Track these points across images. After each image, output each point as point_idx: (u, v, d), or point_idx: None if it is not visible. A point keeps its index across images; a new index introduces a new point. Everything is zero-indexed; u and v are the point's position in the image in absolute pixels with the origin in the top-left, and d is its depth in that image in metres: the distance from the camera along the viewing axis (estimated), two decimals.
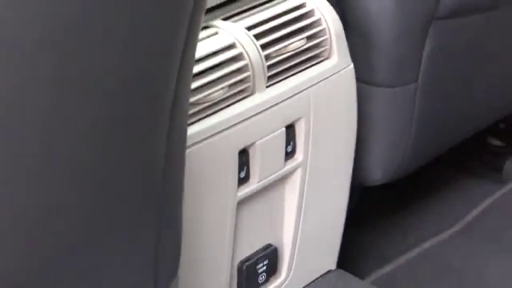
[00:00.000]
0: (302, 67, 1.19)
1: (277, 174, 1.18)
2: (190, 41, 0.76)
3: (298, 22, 1.18)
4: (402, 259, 1.59)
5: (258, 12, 1.18)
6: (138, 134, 0.75)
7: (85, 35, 0.62)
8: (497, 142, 1.88)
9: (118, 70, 0.68)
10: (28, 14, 0.57)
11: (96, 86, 0.66)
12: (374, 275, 1.54)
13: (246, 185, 1.15)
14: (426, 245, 1.64)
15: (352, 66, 1.26)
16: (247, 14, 1.17)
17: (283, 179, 1.21)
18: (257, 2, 1.20)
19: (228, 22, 1.14)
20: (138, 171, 0.77)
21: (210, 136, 1.07)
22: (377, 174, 1.45)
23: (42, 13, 0.58)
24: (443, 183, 1.79)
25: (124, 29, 0.66)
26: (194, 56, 0.79)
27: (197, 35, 0.78)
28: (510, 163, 1.86)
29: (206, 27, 1.12)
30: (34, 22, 0.58)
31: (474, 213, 1.75)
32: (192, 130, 1.05)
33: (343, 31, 1.25)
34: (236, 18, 1.16)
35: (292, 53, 1.17)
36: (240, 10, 1.18)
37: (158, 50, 0.72)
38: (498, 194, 1.81)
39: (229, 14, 1.15)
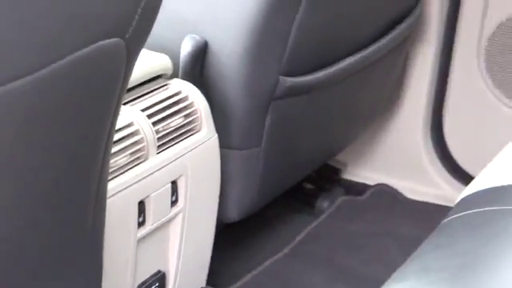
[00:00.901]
0: (182, 138, 1.22)
1: (165, 218, 1.21)
2: (113, 127, 0.79)
3: (177, 105, 1.21)
4: (249, 276, 1.62)
5: (148, 97, 1.21)
6: (74, 202, 0.77)
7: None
8: (310, 186, 1.92)
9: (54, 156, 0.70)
10: None
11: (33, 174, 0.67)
12: None
13: (143, 227, 1.17)
14: (267, 263, 1.67)
15: (216, 135, 1.29)
16: (141, 99, 1.20)
17: (170, 221, 1.23)
18: (147, 90, 1.22)
19: (127, 106, 1.16)
20: (73, 230, 0.79)
21: (117, 192, 1.09)
22: (233, 214, 1.46)
23: None
24: (275, 216, 1.82)
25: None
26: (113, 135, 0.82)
27: (116, 122, 0.81)
28: (320, 201, 1.90)
29: None
30: None
31: (298, 238, 1.78)
32: None
33: (209, 109, 1.27)
34: (133, 102, 1.18)
35: (174, 128, 1.20)
36: (135, 96, 1.20)
37: (91, 140, 0.75)
38: (313, 224, 1.84)
39: (127, 100, 1.18)
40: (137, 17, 0.69)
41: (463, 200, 1.27)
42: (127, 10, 0.68)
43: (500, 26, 1.83)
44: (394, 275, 1.07)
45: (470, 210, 1.21)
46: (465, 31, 1.86)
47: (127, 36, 0.69)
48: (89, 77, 0.68)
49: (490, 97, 1.87)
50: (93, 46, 0.66)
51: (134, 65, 0.76)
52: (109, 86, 0.73)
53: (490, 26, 1.83)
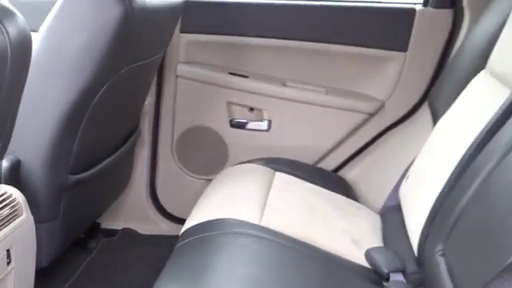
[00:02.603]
0: (11, 221, 1.14)
1: (3, 273, 1.12)
2: None
3: (5, 201, 1.14)
4: None
5: None
6: None
7: None
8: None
9: None
10: None
11: None
12: None
13: None
14: None
15: (31, 217, 1.18)
16: None
17: (6, 275, 1.14)
18: None
19: None
20: None
21: None
22: (43, 262, 1.36)
23: None
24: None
25: None
26: None
27: None
28: (90, 243, 1.82)
29: None
30: None
31: (77, 272, 1.68)
32: None
33: (26, 200, 1.18)
34: None
35: (4, 216, 1.12)
36: None
37: None
38: (88, 258, 1.76)
39: None
40: None
41: (186, 230, 1.25)
42: None
43: (183, 133, 1.86)
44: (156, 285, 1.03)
45: (194, 236, 1.18)
46: (163, 135, 1.88)
47: None
48: None
49: (180, 172, 1.89)
50: None
51: None
52: None
53: (178, 132, 1.87)
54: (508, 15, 1.27)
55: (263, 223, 1.23)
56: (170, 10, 1.46)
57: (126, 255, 1.80)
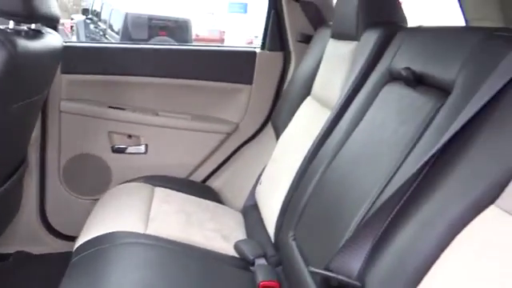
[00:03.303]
0: None
1: None
2: None
3: None
4: None
5: None
6: None
7: None
8: None
9: None
10: None
11: None
12: None
13: None
14: None
15: None
16: None
17: None
18: None
19: None
20: None
21: None
22: None
23: None
24: None
25: None
26: None
27: None
28: None
29: None
30: None
31: None
32: None
33: None
34: None
35: None
36: None
37: None
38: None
39: None
40: None
41: (79, 247, 1.16)
42: None
43: (69, 160, 1.74)
44: None
45: (86, 251, 1.11)
46: (50, 163, 1.73)
47: None
48: None
49: (68, 195, 1.75)
50: None
51: None
52: None
53: (64, 160, 1.75)
54: (322, 57, 1.39)
55: (148, 232, 1.20)
56: (51, 54, 1.36)
57: (21, 276, 1.61)
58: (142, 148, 1.76)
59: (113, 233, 1.15)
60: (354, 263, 0.67)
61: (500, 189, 0.56)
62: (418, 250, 0.60)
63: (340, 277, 0.68)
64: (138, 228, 1.19)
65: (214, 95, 1.75)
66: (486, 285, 0.50)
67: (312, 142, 1.16)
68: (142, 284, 0.94)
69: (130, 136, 1.73)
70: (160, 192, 1.46)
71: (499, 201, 0.56)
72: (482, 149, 0.61)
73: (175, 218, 1.30)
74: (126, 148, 1.75)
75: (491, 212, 0.55)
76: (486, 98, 0.62)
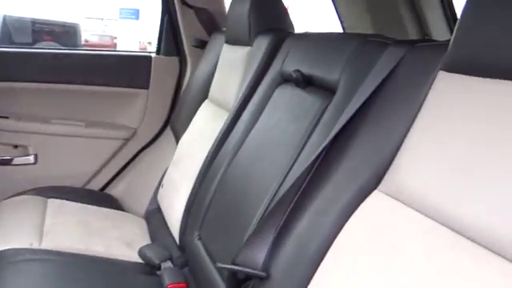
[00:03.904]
0: None
1: None
2: None
3: None
4: None
5: None
6: None
7: None
8: None
9: None
10: None
11: None
12: None
13: None
14: None
15: None
16: None
17: None
18: None
19: None
20: None
21: None
22: None
23: None
24: None
25: None
26: None
27: None
28: None
29: None
30: None
31: None
32: None
33: None
34: None
35: None
36: None
37: None
38: None
39: None
40: None
41: None
42: None
43: None
44: None
45: None
46: None
47: None
48: None
49: None
50: None
51: None
52: None
53: None
54: (218, 61, 1.41)
55: (44, 246, 1.13)
56: None
57: None
58: (31, 158, 1.65)
59: (2, 251, 1.06)
60: (258, 255, 0.69)
61: (381, 175, 0.61)
62: (315, 236, 0.64)
63: (246, 269, 0.69)
64: (32, 243, 1.11)
65: (109, 101, 1.71)
66: (374, 259, 0.55)
67: (212, 143, 1.18)
68: None
69: (16, 146, 1.61)
70: (53, 203, 1.38)
71: (381, 186, 0.61)
72: (364, 142, 0.66)
73: (73, 230, 1.24)
74: (11, 159, 1.65)
75: (375, 196, 0.60)
76: (364, 97, 0.67)
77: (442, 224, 0.50)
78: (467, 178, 0.49)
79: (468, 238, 0.46)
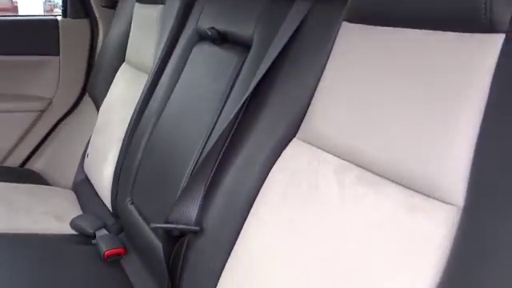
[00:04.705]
0: None
1: None
2: None
3: None
4: None
5: None
6: None
7: None
8: None
9: None
10: None
11: None
12: None
13: None
14: None
15: None
16: None
17: None
18: None
19: None
20: None
21: None
22: None
23: None
24: None
25: None
26: None
27: None
28: None
29: None
30: None
31: None
32: None
33: None
34: None
35: None
36: None
37: None
38: None
39: None
40: None
41: None
42: None
43: None
44: None
45: None
46: None
47: None
48: None
49: None
50: None
51: None
52: None
53: None
54: (131, 22, 1.36)
55: None
56: None
57: None
58: None
59: None
60: (190, 211, 0.71)
61: (298, 124, 0.65)
62: (242, 188, 0.67)
63: (180, 226, 0.71)
64: None
65: (17, 71, 1.60)
66: (296, 201, 0.59)
67: (134, 107, 1.15)
68: None
69: None
70: None
71: (299, 134, 0.65)
72: (281, 94, 0.69)
73: None
74: None
75: (294, 144, 0.64)
76: (277, 51, 0.70)
77: (351, 162, 0.55)
78: (369, 120, 0.53)
79: (372, 172, 0.52)
